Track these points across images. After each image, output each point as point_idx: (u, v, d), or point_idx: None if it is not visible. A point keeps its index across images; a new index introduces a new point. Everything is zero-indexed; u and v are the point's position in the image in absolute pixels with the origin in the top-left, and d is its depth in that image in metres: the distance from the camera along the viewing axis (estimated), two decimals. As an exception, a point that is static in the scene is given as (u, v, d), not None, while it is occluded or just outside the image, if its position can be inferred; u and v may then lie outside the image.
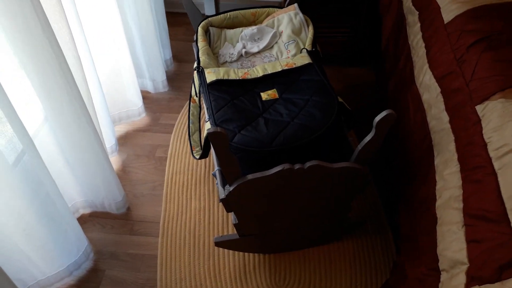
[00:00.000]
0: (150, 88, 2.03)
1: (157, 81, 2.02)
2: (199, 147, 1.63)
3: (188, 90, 2.08)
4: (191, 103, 1.66)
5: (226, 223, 1.54)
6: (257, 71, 1.47)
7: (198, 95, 1.57)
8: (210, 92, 1.39)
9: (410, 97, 1.37)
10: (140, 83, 1.99)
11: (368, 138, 1.15)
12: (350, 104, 1.42)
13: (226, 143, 1.07)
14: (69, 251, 1.35)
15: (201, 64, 1.50)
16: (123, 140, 1.84)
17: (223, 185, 1.24)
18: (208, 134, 1.04)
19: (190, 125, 1.65)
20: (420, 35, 1.39)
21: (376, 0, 1.96)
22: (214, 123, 1.29)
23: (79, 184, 1.49)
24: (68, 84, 1.20)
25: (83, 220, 1.56)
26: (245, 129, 1.25)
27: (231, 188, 1.18)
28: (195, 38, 1.62)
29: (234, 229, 1.40)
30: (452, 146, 1.07)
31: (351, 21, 2.06)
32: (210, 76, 1.43)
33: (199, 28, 1.63)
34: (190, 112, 1.66)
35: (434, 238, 0.96)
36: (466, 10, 1.23)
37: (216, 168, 1.32)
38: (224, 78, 1.42)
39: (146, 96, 2.02)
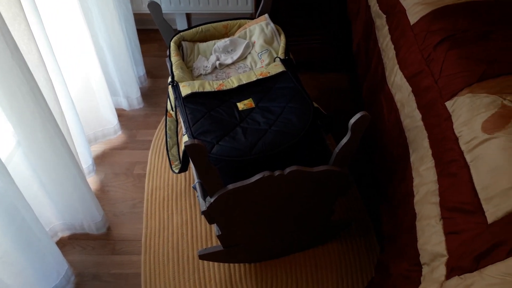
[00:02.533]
0: (125, 105, 2.02)
1: (132, 98, 2.01)
2: (178, 161, 1.62)
3: (164, 105, 2.07)
4: (167, 118, 1.66)
5: (209, 236, 1.53)
6: (232, 82, 1.47)
7: (174, 109, 1.57)
8: (186, 106, 1.39)
9: (383, 98, 1.39)
10: (115, 101, 1.98)
11: (344, 140, 1.17)
12: (326, 109, 1.45)
13: (204, 155, 1.07)
14: (49, 276, 1.31)
15: (176, 78, 1.50)
16: (100, 160, 1.81)
17: (204, 197, 1.23)
18: (186, 147, 1.03)
19: (168, 139, 1.64)
20: (388, 37, 1.43)
21: (345, 7, 2.01)
22: (192, 135, 1.29)
23: (56, 207, 1.46)
24: (40, 107, 1.18)
25: (62, 243, 1.52)
26: (223, 139, 1.25)
27: (212, 200, 1.17)
28: (168, 53, 1.63)
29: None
30: (426, 143, 1.10)
31: (322, 28, 2.10)
32: (185, 90, 1.43)
33: (172, 43, 1.63)
34: (167, 126, 1.65)
35: (414, 234, 0.98)
36: (430, 11, 1.27)
37: (196, 180, 1.31)
38: (199, 91, 1.42)
39: (121, 114, 2.00)
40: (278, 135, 1.24)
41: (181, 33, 1.68)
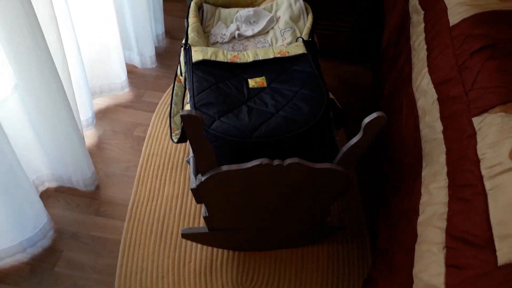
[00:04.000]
0: (137, 62, 1.93)
1: (145, 56, 1.91)
2: (179, 130, 1.54)
3: (178, 69, 1.98)
4: (175, 83, 1.57)
5: (198, 215, 1.46)
6: (248, 56, 1.37)
7: (183, 74, 1.48)
8: (194, 72, 1.30)
9: (405, 100, 1.28)
10: (127, 56, 1.89)
11: (354, 140, 1.07)
12: (342, 103, 1.33)
13: (200, 128, 0.98)
14: (24, 226, 1.26)
15: (189, 42, 1.40)
16: (102, 114, 1.74)
17: (195, 174, 1.15)
18: (182, 117, 0.95)
19: (173, 105, 1.55)
20: (423, 36, 1.30)
21: (382, -3, 1.86)
22: (194, 105, 1.20)
23: (47, 155, 1.40)
24: (38, 45, 1.09)
25: (47, 194, 1.47)
26: (225, 116, 1.16)
27: (203, 178, 1.09)
28: (187, 14, 1.52)
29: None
30: (442, 158, 0.99)
31: (353, 16, 1.95)
32: (196, 55, 1.34)
33: (192, 3, 1.53)
34: (174, 92, 1.56)
35: (412, 257, 0.88)
36: (474, 14, 1.14)
37: (191, 154, 1.23)
38: (211, 59, 1.33)
39: (132, 71, 1.92)
40: (284, 121, 1.14)
41: (204, -6, 1.57)
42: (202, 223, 1.43)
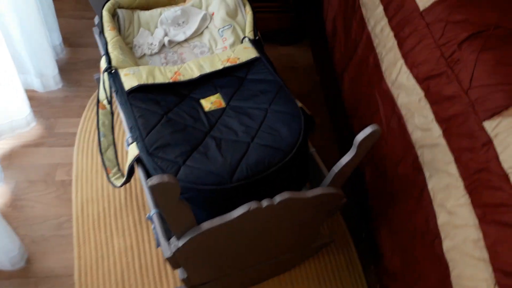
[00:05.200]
0: (37, 86, 1.55)
1: (47, 76, 1.54)
2: (117, 168, 1.26)
3: (89, 84, 1.65)
4: (99, 110, 1.27)
5: (163, 264, 1.22)
6: (191, 69, 1.14)
7: (109, 101, 1.20)
8: (132, 104, 1.03)
9: (379, 98, 1.15)
10: (23, 81, 1.51)
11: (346, 158, 0.93)
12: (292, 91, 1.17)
13: (176, 195, 0.76)
14: None
15: (114, 63, 1.12)
16: (8, 161, 1.37)
17: (168, 238, 0.92)
18: (151, 188, 0.71)
19: (101, 139, 1.27)
20: (385, 21, 1.16)
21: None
22: (146, 150, 0.94)
23: None
24: None
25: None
26: (191, 157, 0.93)
27: (180, 244, 0.87)
28: (99, 26, 1.21)
29: (173, 269, 1.09)
30: (453, 169, 0.88)
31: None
32: (128, 80, 1.07)
33: (104, 12, 1.22)
34: (100, 121, 1.26)
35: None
36: (447, -6, 1.02)
37: (153, 210, 0.99)
38: (149, 83, 1.07)
39: (33, 97, 1.55)
40: (265, 152, 0.95)
41: (116, -2, 1.26)
42: (169, 273, 1.21)
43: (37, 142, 1.43)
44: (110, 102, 1.20)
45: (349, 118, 1.36)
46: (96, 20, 1.33)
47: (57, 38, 1.67)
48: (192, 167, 0.91)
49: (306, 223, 1.08)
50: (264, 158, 0.93)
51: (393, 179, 1.06)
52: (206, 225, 0.87)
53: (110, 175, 1.23)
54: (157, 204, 0.80)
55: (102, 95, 1.23)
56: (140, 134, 0.97)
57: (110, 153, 1.26)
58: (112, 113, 1.27)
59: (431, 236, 0.90)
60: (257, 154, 0.94)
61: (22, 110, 1.40)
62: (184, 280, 1.02)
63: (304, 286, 1.24)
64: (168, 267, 1.22)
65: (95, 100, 1.52)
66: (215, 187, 0.89)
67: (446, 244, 0.85)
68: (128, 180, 1.12)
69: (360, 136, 0.87)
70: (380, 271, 1.12)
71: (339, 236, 1.34)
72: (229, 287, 1.19)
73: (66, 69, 1.67)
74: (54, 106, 1.54)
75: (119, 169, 1.25)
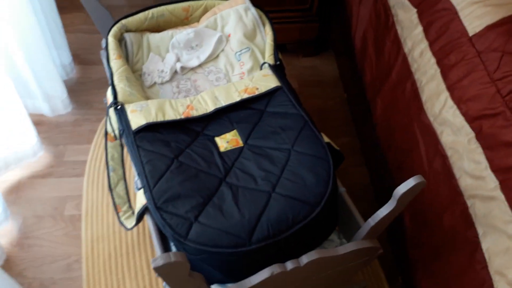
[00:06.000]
0: (46, 110, 1.47)
1: (55, 100, 1.46)
2: (127, 205, 1.16)
3: (100, 106, 1.56)
4: (107, 142, 1.17)
5: (178, 311, 1.13)
6: (205, 102, 1.02)
7: (118, 136, 1.10)
8: (140, 147, 0.93)
9: (418, 130, 1.02)
10: (31, 106, 1.43)
11: (385, 211, 0.82)
12: (312, 109, 1.05)
13: (185, 273, 0.66)
14: None
15: (120, 97, 1.02)
16: (15, 195, 1.30)
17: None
18: (157, 270, 0.61)
19: (111, 173, 1.17)
20: (425, 44, 1.02)
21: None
22: (154, 204, 0.84)
23: None
24: None
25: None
26: (204, 212, 0.82)
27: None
28: (105, 54, 1.11)
29: None
30: (512, 229, 0.75)
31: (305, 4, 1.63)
32: (136, 118, 0.97)
33: (110, 39, 1.11)
34: (109, 155, 1.16)
35: None
36: (502, 18, 0.87)
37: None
38: (159, 121, 0.96)
39: (41, 122, 1.46)
40: (288, 205, 0.83)
41: (122, 21, 1.16)
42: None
43: (45, 172, 1.35)
44: (119, 137, 1.10)
45: (382, 146, 1.23)
46: (104, 43, 1.23)
47: (67, 57, 1.58)
48: (205, 225, 0.80)
49: (336, 277, 0.97)
50: (288, 213, 0.82)
51: (437, 230, 0.93)
52: (223, 294, 0.76)
53: (120, 213, 1.13)
54: (168, 285, 0.70)
55: (109, 128, 1.13)
56: (147, 183, 0.87)
57: (120, 189, 1.17)
58: (121, 145, 1.17)
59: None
60: (279, 208, 0.82)
61: (28, 139, 1.32)
62: None
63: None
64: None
65: (105, 127, 1.43)
66: (231, 250, 0.78)
67: (505, 322, 0.72)
68: (138, 222, 1.02)
69: (402, 189, 0.76)
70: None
71: (373, 281, 1.22)
72: None
73: (75, 89, 1.58)
74: (63, 132, 1.46)
75: (130, 206, 1.15)
